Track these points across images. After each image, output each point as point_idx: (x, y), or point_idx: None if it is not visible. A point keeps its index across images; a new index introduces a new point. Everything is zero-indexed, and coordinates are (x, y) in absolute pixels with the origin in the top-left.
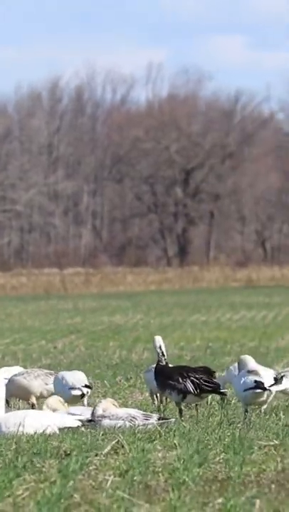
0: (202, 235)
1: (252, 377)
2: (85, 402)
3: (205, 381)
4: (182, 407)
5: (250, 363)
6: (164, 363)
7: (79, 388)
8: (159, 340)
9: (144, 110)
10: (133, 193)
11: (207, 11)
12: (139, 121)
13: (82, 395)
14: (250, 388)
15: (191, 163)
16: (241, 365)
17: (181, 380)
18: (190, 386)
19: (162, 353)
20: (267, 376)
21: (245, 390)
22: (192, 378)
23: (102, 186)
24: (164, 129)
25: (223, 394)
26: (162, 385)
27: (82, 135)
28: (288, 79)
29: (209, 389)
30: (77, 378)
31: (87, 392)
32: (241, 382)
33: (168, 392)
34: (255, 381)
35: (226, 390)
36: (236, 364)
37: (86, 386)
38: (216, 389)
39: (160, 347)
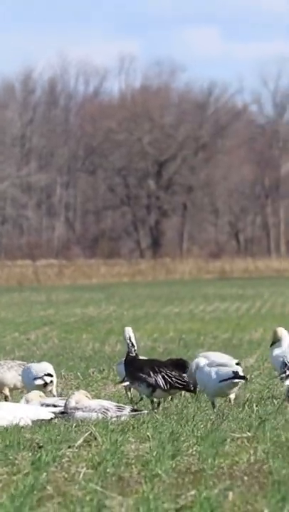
0: (175, 227)
1: (228, 368)
2: (54, 391)
3: (176, 378)
4: (154, 400)
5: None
6: (134, 355)
7: (41, 378)
8: (128, 331)
9: (117, 102)
10: (106, 184)
11: (181, 2)
12: (111, 112)
13: (45, 384)
14: (229, 378)
15: (164, 155)
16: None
17: (152, 374)
18: (161, 381)
19: (132, 344)
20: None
21: (221, 381)
22: (163, 374)
23: (75, 178)
24: (137, 121)
25: (193, 391)
26: (132, 376)
27: (55, 127)
28: (261, 71)
29: (179, 386)
30: (40, 368)
31: (51, 381)
32: (214, 373)
33: (137, 385)
34: (233, 372)
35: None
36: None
37: (48, 375)
38: (186, 386)
39: (130, 338)
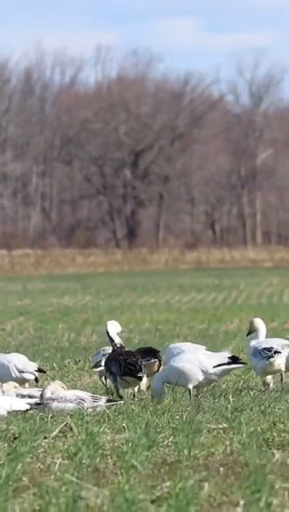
0: (151, 217)
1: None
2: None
3: (128, 364)
4: (135, 391)
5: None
6: (118, 347)
7: (31, 372)
8: (107, 326)
9: (93, 92)
10: (82, 174)
11: None
12: (88, 102)
13: (36, 379)
14: (224, 364)
15: (140, 145)
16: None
17: (113, 363)
18: (116, 369)
19: (111, 339)
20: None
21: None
22: (121, 361)
23: (51, 167)
24: (113, 111)
25: (139, 378)
26: (104, 366)
27: (30, 116)
28: (238, 61)
29: (129, 372)
30: (26, 363)
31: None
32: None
33: (107, 375)
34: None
35: (143, 375)
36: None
37: (38, 370)
38: (134, 373)
39: (108, 333)
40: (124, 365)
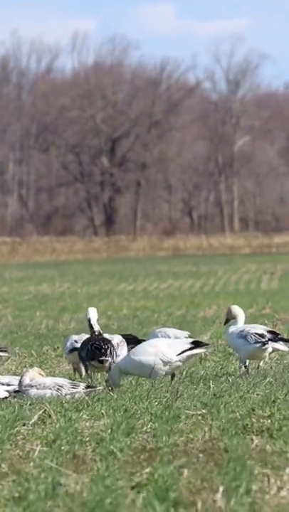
0: (129, 204)
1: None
2: None
3: (94, 348)
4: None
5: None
6: (96, 335)
7: None
8: (89, 312)
9: (70, 79)
10: (59, 162)
11: None
12: (64, 90)
13: None
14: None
15: (117, 132)
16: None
17: (84, 348)
18: (84, 353)
19: (90, 325)
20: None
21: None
22: (89, 346)
23: (28, 155)
24: (90, 98)
25: (101, 362)
26: (78, 353)
27: (7, 104)
28: (214, 48)
29: (92, 356)
30: None
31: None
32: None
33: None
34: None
35: (105, 358)
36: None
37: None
38: (96, 356)
39: (89, 320)
40: (91, 350)
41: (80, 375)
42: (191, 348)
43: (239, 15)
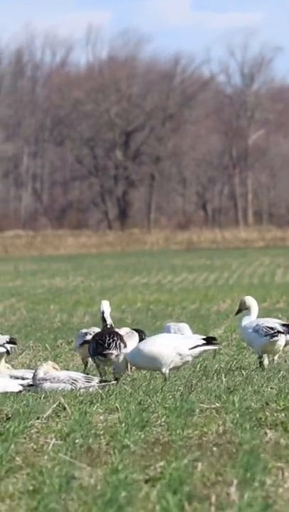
0: (143, 198)
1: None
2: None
3: (98, 342)
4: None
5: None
6: (108, 327)
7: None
8: (102, 305)
9: (84, 72)
10: (73, 155)
11: None
12: (79, 83)
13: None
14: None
15: (132, 126)
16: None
17: (92, 343)
18: (91, 347)
19: (103, 318)
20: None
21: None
22: (95, 340)
23: (43, 148)
24: (104, 92)
25: (104, 356)
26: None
27: (21, 97)
28: (229, 41)
29: (96, 350)
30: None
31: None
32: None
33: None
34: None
35: (109, 352)
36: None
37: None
38: (100, 350)
39: (103, 313)
40: (95, 344)
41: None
42: (203, 344)
43: (253, 8)
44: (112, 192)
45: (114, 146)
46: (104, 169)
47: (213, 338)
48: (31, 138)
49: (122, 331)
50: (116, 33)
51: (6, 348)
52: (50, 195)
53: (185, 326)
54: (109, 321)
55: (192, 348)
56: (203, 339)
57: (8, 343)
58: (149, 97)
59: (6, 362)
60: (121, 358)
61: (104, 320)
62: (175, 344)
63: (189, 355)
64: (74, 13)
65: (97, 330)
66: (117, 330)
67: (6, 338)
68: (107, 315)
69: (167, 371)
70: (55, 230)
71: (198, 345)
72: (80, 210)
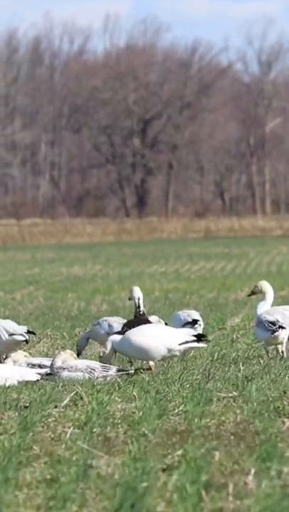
0: (160, 186)
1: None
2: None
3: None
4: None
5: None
6: (140, 314)
7: (21, 334)
8: (136, 291)
9: (102, 60)
10: (91, 143)
11: None
12: (96, 71)
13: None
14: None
15: (149, 114)
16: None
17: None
18: None
19: (138, 304)
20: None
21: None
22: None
23: (60, 136)
24: (122, 79)
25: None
26: None
27: (39, 85)
28: (247, 30)
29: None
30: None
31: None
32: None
33: None
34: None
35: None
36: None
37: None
38: None
39: (138, 298)
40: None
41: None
42: (193, 341)
43: None
44: (130, 180)
45: (131, 134)
46: (121, 157)
47: (203, 336)
48: (49, 126)
49: (153, 319)
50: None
51: (25, 336)
52: (68, 183)
53: (195, 313)
54: (142, 307)
55: (182, 343)
56: (194, 335)
57: (27, 332)
58: (167, 85)
59: (24, 350)
60: (109, 346)
61: (138, 306)
62: (165, 338)
63: (178, 350)
64: (92, 2)
65: (114, 319)
66: (148, 317)
67: (24, 328)
68: (141, 301)
69: (152, 363)
70: (73, 217)
71: (187, 341)
72: (98, 197)
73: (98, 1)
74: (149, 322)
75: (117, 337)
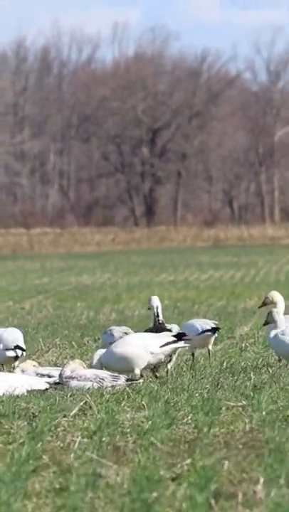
0: (169, 195)
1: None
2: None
3: None
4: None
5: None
6: (160, 323)
7: (13, 350)
8: (155, 300)
9: (111, 70)
10: (100, 152)
11: None
12: (105, 80)
13: (16, 357)
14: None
15: (158, 123)
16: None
17: None
18: None
19: (157, 313)
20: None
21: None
22: None
23: (69, 146)
24: (131, 89)
25: None
26: None
27: (48, 94)
28: (255, 38)
29: None
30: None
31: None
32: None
33: None
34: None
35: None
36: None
37: (18, 347)
38: None
39: (157, 307)
40: None
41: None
42: (174, 341)
43: (280, 5)
44: (139, 189)
45: (140, 143)
46: (130, 166)
47: (183, 334)
48: (58, 135)
49: (172, 327)
50: (143, 30)
51: (16, 352)
52: (77, 192)
53: (207, 322)
54: (161, 316)
55: (163, 345)
56: (174, 336)
57: (16, 347)
58: (176, 94)
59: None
60: (95, 358)
61: (157, 315)
62: (145, 343)
63: (161, 353)
64: (100, 10)
65: (119, 328)
66: (167, 326)
67: (15, 343)
68: (160, 310)
69: (138, 372)
70: (82, 227)
71: (168, 343)
72: (107, 207)
73: (106, 9)
74: (168, 331)
75: (104, 351)
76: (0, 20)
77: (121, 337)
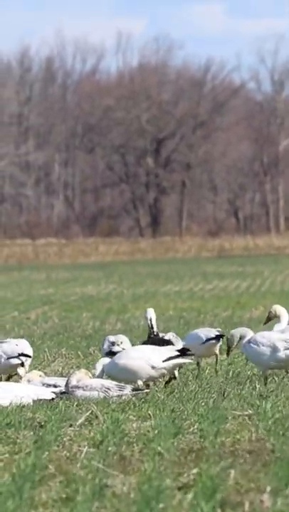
0: (174, 205)
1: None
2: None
3: None
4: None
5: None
6: (154, 335)
7: (17, 357)
8: (149, 313)
9: (115, 80)
10: (104, 162)
11: None
12: (109, 90)
13: (22, 364)
14: (173, 357)
15: (163, 133)
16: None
17: None
18: None
19: (151, 325)
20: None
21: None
22: None
23: (74, 156)
24: (135, 99)
25: None
26: None
27: (52, 105)
28: (259, 48)
29: None
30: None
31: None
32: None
33: None
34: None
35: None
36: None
37: (23, 354)
38: None
39: (150, 319)
40: None
41: None
42: (177, 356)
43: (283, 14)
44: (144, 199)
45: (145, 153)
46: (135, 176)
47: (187, 350)
48: (62, 145)
49: (169, 336)
50: (147, 40)
51: (20, 360)
52: (82, 203)
53: (211, 330)
54: (155, 328)
55: (166, 360)
56: (178, 351)
57: (21, 355)
58: (180, 104)
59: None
60: (99, 368)
61: (151, 327)
62: (148, 357)
63: (163, 367)
64: (104, 20)
65: (114, 337)
66: (163, 335)
67: (20, 350)
68: (154, 322)
69: (141, 383)
70: (87, 237)
71: (171, 357)
72: (112, 217)
73: (110, 19)
74: (164, 341)
75: (107, 360)
76: (4, 31)
77: (109, 346)
